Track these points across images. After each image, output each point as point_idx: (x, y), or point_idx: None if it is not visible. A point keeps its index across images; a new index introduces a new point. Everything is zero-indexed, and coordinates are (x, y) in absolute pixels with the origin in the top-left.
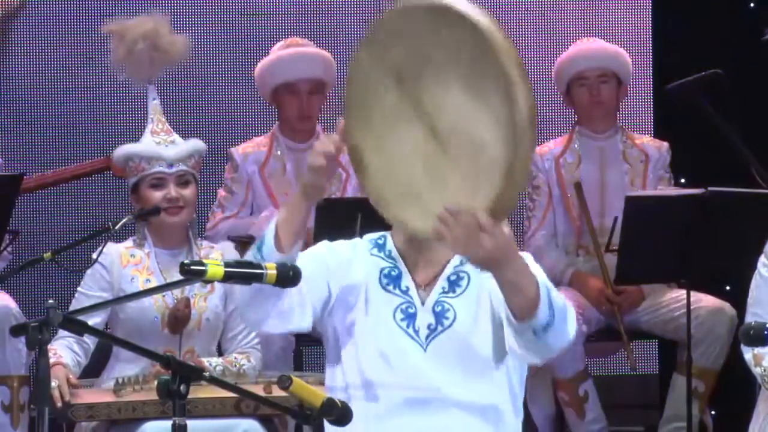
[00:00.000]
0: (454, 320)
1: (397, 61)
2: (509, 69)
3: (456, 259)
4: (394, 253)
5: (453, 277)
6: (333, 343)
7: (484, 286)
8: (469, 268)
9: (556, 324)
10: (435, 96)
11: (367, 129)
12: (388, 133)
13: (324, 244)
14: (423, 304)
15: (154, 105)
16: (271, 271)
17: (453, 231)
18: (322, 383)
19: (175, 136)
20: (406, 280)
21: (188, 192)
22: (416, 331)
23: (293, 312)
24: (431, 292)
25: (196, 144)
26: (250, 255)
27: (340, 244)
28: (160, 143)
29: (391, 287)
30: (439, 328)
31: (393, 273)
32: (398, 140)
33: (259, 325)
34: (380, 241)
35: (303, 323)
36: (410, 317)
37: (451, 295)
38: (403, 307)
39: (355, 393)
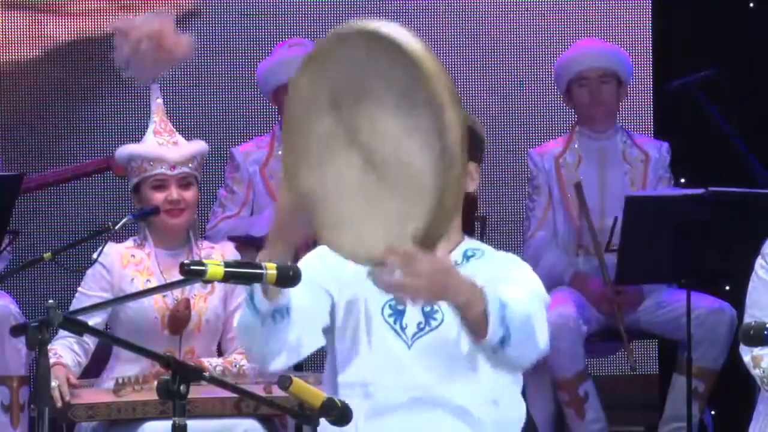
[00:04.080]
0: (441, 322)
1: (335, 87)
2: (439, 95)
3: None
4: None
5: None
6: (329, 340)
7: None
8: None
9: (514, 339)
10: (372, 124)
11: (304, 157)
12: (326, 159)
13: (315, 252)
14: None
15: (158, 104)
16: (271, 271)
17: (386, 274)
18: (322, 383)
19: (178, 137)
20: None
21: (190, 194)
22: (403, 329)
23: (302, 343)
24: None
25: (199, 146)
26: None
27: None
28: (163, 144)
29: None
30: (427, 328)
31: None
32: (336, 167)
33: (267, 362)
34: None
35: (315, 346)
36: (398, 314)
37: None
38: (392, 303)
39: (346, 390)
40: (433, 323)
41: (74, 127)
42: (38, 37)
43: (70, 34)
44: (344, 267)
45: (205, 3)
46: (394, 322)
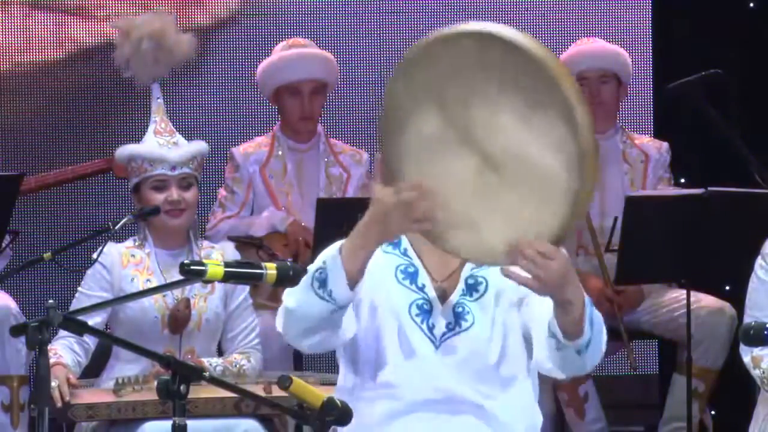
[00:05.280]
0: (472, 324)
1: (438, 89)
2: (569, 97)
3: None
4: (410, 251)
5: (471, 281)
6: (350, 341)
7: (502, 296)
8: (485, 272)
9: (594, 340)
10: (486, 123)
11: (407, 157)
12: (430, 162)
13: None
14: (442, 302)
15: (158, 104)
16: (271, 271)
17: (520, 263)
18: (322, 383)
19: (178, 137)
20: (423, 277)
21: (190, 194)
22: (430, 329)
23: (346, 330)
24: (453, 291)
25: (199, 146)
26: (312, 294)
27: None
28: (163, 144)
29: (407, 282)
30: (457, 328)
31: (410, 270)
32: (443, 169)
33: (308, 338)
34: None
35: (350, 335)
36: (425, 313)
37: (468, 298)
38: (419, 303)
39: (368, 392)
40: (464, 324)
41: (74, 127)
42: (38, 38)
43: (71, 35)
44: (369, 269)
45: (243, 8)
46: (421, 322)
